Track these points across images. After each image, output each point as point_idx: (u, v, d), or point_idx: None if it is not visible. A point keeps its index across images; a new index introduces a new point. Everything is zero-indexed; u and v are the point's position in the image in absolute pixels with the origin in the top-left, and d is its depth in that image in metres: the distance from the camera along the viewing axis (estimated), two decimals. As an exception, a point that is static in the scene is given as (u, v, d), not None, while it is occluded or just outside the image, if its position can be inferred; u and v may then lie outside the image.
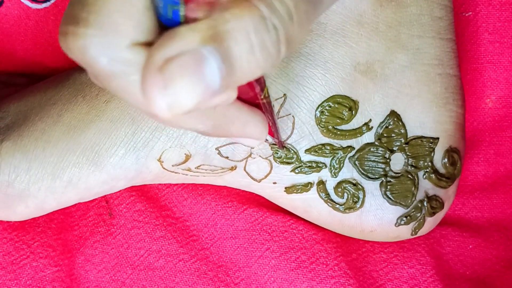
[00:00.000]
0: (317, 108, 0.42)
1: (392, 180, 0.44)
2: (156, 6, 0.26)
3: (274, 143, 0.43)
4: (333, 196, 0.44)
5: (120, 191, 0.48)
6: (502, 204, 0.50)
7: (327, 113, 0.42)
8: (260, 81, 0.32)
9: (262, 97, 0.33)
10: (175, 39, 0.24)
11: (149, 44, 0.27)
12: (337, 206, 0.44)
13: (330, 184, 0.44)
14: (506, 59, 0.48)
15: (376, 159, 0.43)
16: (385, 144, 0.43)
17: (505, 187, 0.50)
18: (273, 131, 0.39)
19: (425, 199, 0.44)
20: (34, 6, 0.49)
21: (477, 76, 0.49)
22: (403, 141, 0.43)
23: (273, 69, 0.42)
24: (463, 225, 0.50)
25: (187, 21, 0.25)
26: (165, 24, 0.27)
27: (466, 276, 0.47)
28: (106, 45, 0.26)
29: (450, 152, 0.44)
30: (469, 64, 0.49)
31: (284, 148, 0.43)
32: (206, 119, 0.30)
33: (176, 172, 0.45)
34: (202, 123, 0.31)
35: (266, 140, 0.43)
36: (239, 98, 0.32)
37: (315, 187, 0.44)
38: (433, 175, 0.44)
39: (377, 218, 0.44)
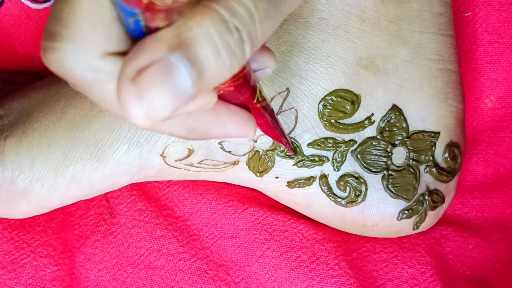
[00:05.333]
0: (320, 102, 0.42)
1: (394, 173, 0.44)
2: (120, 18, 0.27)
3: (283, 150, 0.43)
4: (335, 190, 0.44)
5: (120, 190, 0.48)
6: (501, 204, 0.50)
7: (329, 107, 0.43)
8: (249, 86, 0.32)
9: (255, 101, 0.33)
10: (143, 50, 0.25)
11: (121, 54, 0.27)
12: (339, 200, 0.44)
13: (333, 177, 0.44)
14: (505, 59, 0.49)
15: (378, 153, 0.44)
16: (387, 138, 0.43)
17: (504, 187, 0.51)
18: (278, 134, 0.39)
19: (427, 192, 0.45)
20: (34, 6, 0.49)
21: (476, 76, 0.50)
22: (404, 135, 0.44)
23: (277, 62, 0.42)
24: (462, 225, 0.50)
25: (149, 31, 0.26)
26: (131, 35, 0.27)
27: (465, 276, 0.47)
28: (79, 56, 0.27)
29: (451, 146, 0.45)
30: (468, 64, 0.50)
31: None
32: (181, 124, 0.31)
33: (178, 168, 0.45)
34: (178, 128, 0.31)
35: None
36: (230, 102, 0.33)
37: (317, 181, 0.44)
38: (434, 169, 0.44)
39: (379, 212, 0.44)
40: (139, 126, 0.25)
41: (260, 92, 0.33)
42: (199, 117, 0.31)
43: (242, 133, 0.33)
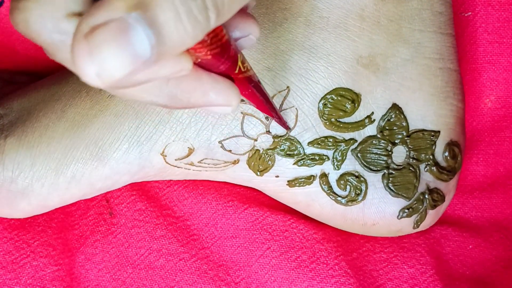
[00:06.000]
0: (320, 100, 0.42)
1: (394, 172, 0.44)
2: None
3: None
4: (336, 189, 0.44)
5: (120, 190, 0.48)
6: (501, 204, 0.50)
7: (330, 106, 0.43)
8: (230, 55, 0.31)
9: (236, 71, 0.33)
10: (101, 8, 0.24)
11: None
12: (339, 198, 0.44)
13: (333, 176, 0.44)
14: (505, 59, 0.49)
15: (378, 152, 0.44)
16: (387, 137, 0.43)
17: (504, 187, 0.51)
18: (267, 106, 0.38)
19: (427, 191, 0.45)
20: (35, 6, 0.49)
21: (476, 76, 0.50)
22: (404, 134, 0.44)
23: (277, 61, 0.42)
24: (463, 225, 0.50)
25: None
26: None
27: (465, 276, 0.47)
28: (45, 17, 0.26)
29: (451, 145, 0.45)
30: (468, 64, 0.50)
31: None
32: (161, 91, 0.30)
33: (178, 167, 0.45)
34: (159, 95, 0.30)
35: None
36: (211, 71, 0.32)
37: (317, 179, 0.44)
38: (434, 168, 0.44)
39: (379, 211, 0.44)
40: (94, 86, 0.24)
41: (243, 62, 0.33)
42: (180, 83, 0.30)
43: (225, 102, 0.32)
